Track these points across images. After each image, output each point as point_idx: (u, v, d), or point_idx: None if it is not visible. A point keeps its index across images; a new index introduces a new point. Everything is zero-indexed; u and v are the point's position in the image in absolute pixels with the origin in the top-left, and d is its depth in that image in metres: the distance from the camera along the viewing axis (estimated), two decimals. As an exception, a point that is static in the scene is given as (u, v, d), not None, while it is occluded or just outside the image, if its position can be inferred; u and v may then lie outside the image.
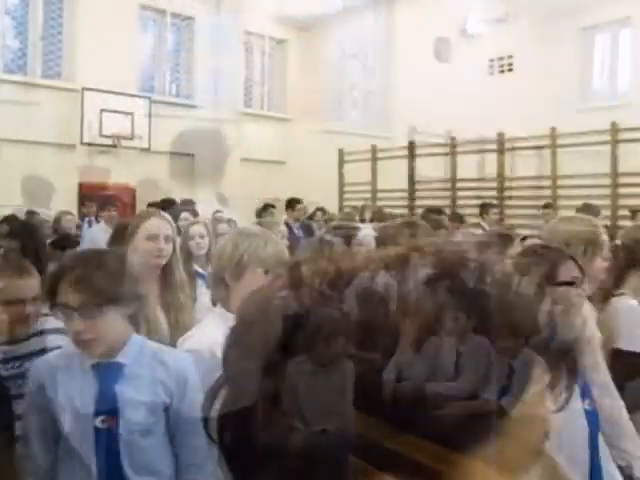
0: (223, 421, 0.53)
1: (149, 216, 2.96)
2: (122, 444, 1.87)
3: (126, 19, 11.51)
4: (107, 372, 1.91)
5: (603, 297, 2.74)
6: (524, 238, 5.17)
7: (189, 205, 8.59)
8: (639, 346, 2.73)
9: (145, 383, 1.94)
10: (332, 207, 11.32)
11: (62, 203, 9.28)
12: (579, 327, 2.51)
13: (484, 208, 8.31)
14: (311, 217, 9.66)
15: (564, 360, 0.50)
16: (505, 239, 3.01)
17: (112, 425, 1.87)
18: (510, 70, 11.10)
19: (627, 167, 9.56)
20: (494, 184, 10.90)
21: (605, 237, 2.80)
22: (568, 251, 2.48)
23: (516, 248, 2.71)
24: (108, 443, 1.87)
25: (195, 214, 5.99)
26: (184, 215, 5.41)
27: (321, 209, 10.19)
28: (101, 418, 1.87)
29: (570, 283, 2.35)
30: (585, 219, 2.92)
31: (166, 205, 5.76)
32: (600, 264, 2.75)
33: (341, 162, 13.27)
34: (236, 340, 0.54)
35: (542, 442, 0.51)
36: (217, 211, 8.83)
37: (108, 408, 1.87)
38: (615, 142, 9.68)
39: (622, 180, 9.66)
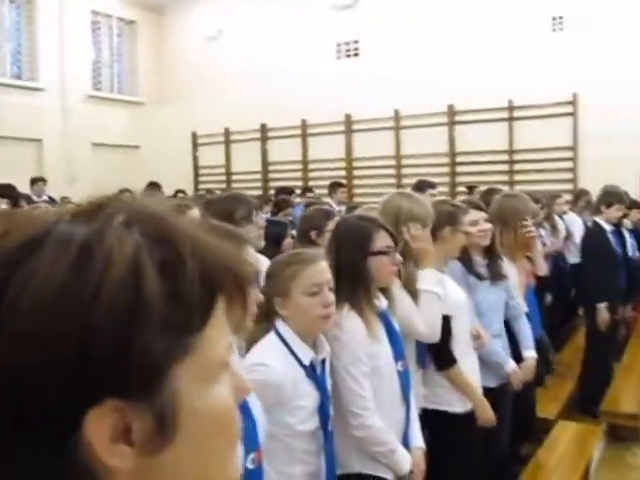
0: None
1: None
2: None
3: (-42, -5, 10.78)
4: None
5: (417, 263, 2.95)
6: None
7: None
8: (448, 310, 3.02)
9: None
10: (188, 191, 11.28)
11: None
12: (392, 293, 2.77)
13: (332, 187, 8.60)
14: (171, 199, 9.59)
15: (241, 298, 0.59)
16: (326, 214, 3.27)
17: None
18: (356, 54, 11.50)
19: (463, 147, 10.28)
20: (343, 164, 11.34)
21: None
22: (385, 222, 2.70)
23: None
24: None
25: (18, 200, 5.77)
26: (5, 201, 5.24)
27: (182, 191, 10.16)
28: None
29: (384, 252, 2.61)
30: (417, 198, 3.10)
31: (5, 191, 5.57)
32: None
33: (195, 145, 13.22)
34: None
35: (227, 354, 0.58)
36: (65, 197, 8.61)
37: None
38: (452, 124, 10.37)
39: (459, 159, 10.38)
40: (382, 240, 2.54)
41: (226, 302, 0.58)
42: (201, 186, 12.73)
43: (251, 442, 1.68)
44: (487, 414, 3.08)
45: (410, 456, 2.50)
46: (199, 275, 0.54)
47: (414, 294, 2.79)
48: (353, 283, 2.45)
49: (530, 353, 3.68)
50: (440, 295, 2.83)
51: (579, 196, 7.77)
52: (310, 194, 8.66)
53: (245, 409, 1.68)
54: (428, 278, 2.85)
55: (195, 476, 0.57)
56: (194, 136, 13.11)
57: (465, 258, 3.42)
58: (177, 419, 0.53)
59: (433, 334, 2.82)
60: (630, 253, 6.35)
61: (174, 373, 0.52)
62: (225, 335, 0.58)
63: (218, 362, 0.57)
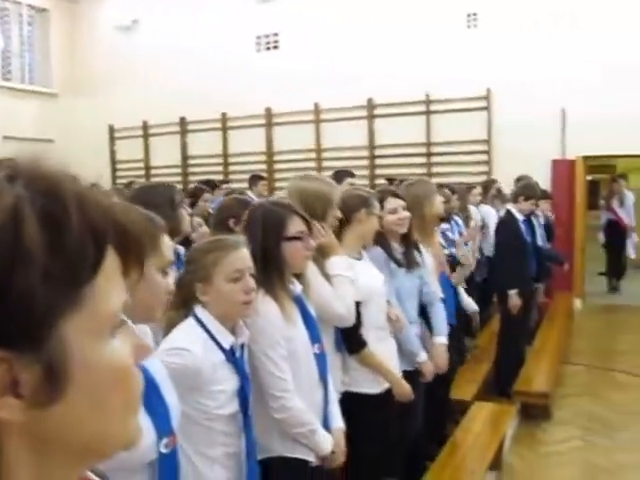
0: None
1: None
2: None
3: None
4: None
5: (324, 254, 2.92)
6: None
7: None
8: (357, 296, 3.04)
9: None
10: (105, 185, 11.01)
11: None
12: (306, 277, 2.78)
13: (253, 180, 8.56)
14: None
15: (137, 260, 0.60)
16: (244, 203, 3.28)
17: None
18: (276, 47, 11.48)
19: (382, 140, 10.43)
20: (264, 157, 11.32)
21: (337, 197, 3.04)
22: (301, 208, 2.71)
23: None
24: None
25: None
26: None
27: (94, 185, 9.88)
28: None
29: (297, 238, 2.61)
30: (321, 179, 3.12)
31: None
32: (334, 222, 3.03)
33: (112, 139, 12.91)
34: None
35: (118, 314, 0.58)
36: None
37: None
38: (371, 117, 10.50)
39: (378, 152, 10.53)
40: (295, 226, 2.54)
41: (119, 260, 0.58)
42: (119, 181, 12.42)
43: (164, 427, 1.66)
44: (404, 390, 3.16)
45: (331, 437, 2.54)
46: (85, 228, 0.54)
47: (326, 279, 2.83)
48: (267, 268, 2.45)
49: (441, 340, 3.76)
50: (352, 279, 2.88)
51: (488, 186, 8.02)
52: (225, 185, 8.58)
53: (158, 394, 1.67)
54: (338, 263, 2.89)
55: (91, 431, 0.56)
56: (111, 129, 12.80)
57: (384, 244, 3.49)
58: (67, 371, 0.53)
59: (349, 317, 2.87)
60: (540, 242, 6.63)
61: (62, 324, 0.52)
62: (118, 290, 0.58)
63: (110, 315, 0.57)
